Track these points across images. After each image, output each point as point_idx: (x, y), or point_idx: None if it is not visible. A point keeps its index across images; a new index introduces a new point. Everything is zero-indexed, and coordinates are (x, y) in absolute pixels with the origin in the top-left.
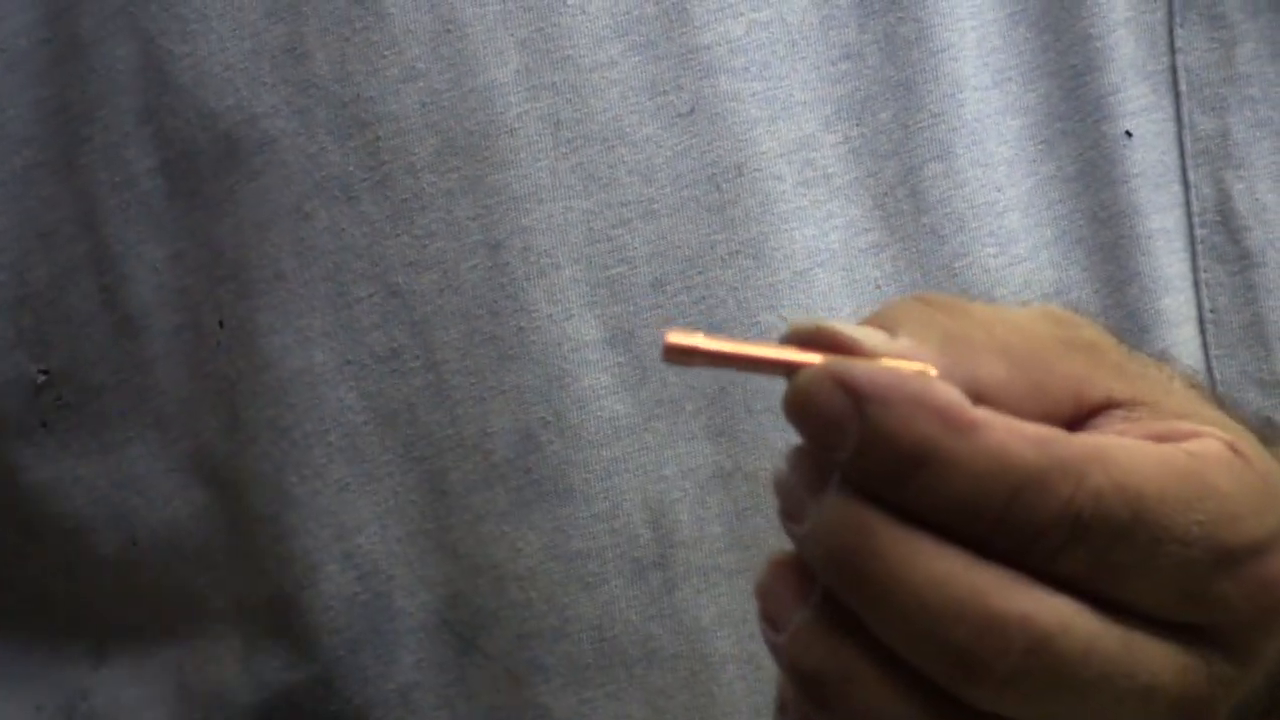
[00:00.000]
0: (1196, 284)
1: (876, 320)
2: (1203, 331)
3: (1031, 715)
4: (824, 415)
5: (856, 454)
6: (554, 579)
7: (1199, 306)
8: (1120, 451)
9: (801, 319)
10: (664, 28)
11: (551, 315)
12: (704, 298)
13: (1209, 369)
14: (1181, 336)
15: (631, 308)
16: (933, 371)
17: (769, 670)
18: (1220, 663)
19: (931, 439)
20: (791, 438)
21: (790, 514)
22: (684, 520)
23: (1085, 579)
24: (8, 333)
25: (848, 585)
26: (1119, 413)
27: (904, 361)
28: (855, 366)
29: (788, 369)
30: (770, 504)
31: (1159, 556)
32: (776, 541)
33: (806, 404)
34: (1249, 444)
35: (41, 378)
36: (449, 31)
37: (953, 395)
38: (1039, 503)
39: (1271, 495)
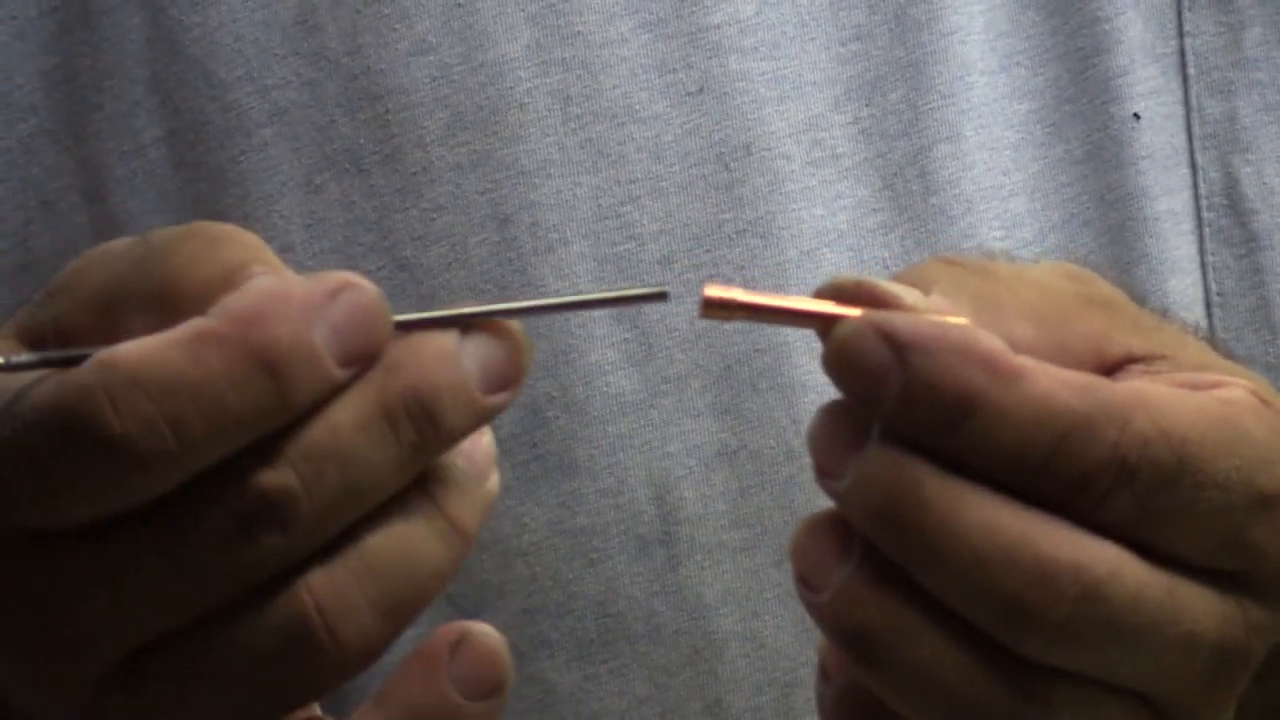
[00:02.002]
0: (1204, 266)
1: (908, 279)
2: (1209, 314)
3: (1080, 664)
4: (866, 366)
5: (899, 404)
6: (559, 554)
7: (1206, 289)
8: (1161, 397)
9: (842, 273)
10: (674, 6)
11: (559, 290)
12: (711, 276)
13: None
14: (1188, 319)
15: (639, 284)
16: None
17: (771, 648)
18: (1256, 609)
19: (976, 387)
20: (795, 417)
21: (827, 470)
22: (688, 497)
23: (1129, 525)
24: (10, 300)
25: (895, 537)
26: (1138, 367)
27: (943, 316)
28: (896, 317)
29: (826, 322)
30: (774, 481)
31: (1199, 502)
32: (780, 519)
33: (848, 355)
34: (1272, 393)
35: None
36: (460, 6)
37: (996, 344)
38: (1085, 448)
39: None
